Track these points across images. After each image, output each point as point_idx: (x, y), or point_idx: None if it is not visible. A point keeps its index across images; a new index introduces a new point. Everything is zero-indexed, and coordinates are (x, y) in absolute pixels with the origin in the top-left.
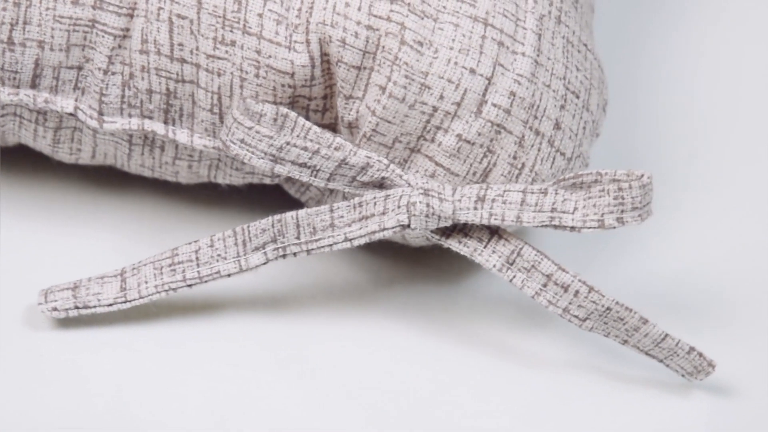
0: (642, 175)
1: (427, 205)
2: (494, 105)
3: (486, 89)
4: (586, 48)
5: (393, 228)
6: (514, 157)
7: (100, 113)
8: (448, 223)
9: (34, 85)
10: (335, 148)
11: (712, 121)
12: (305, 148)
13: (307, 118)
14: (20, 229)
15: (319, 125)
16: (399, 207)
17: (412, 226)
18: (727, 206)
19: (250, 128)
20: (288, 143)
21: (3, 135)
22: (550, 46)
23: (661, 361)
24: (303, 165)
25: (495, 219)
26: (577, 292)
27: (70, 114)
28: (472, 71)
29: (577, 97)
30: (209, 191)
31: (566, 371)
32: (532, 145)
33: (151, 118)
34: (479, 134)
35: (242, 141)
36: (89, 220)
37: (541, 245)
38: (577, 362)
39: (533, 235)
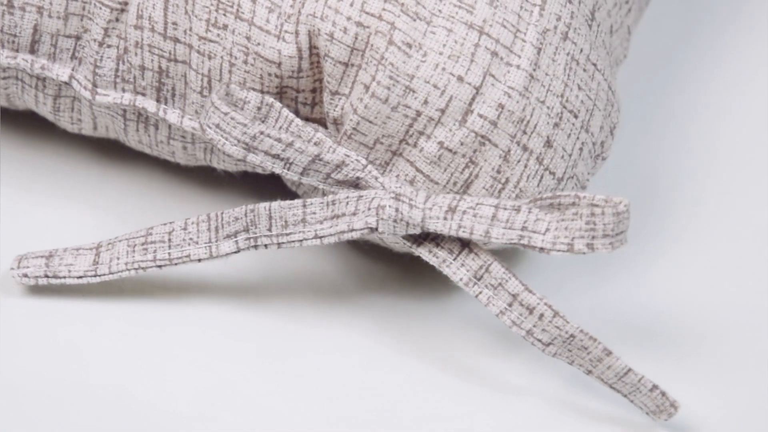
0: (619, 203)
1: (396, 210)
2: (480, 116)
3: (473, 99)
4: (595, 68)
5: (361, 230)
6: (498, 171)
7: (94, 85)
8: (417, 231)
9: (32, 51)
10: (315, 143)
11: (732, 156)
12: (279, 140)
13: (296, 110)
14: (20, 195)
15: (308, 119)
16: (369, 209)
17: (380, 230)
18: (734, 242)
19: (225, 113)
20: (262, 133)
21: (8, 98)
22: (551, 61)
23: (625, 396)
24: (276, 156)
25: (463, 231)
26: (541, 315)
27: (65, 83)
28: (460, 79)
29: (575, 116)
30: (218, 175)
31: (531, 400)
32: (519, 161)
33: (143, 94)
34: (462, 144)
35: (217, 126)
36: (93, 192)
37: (535, 263)
38: (544, 392)
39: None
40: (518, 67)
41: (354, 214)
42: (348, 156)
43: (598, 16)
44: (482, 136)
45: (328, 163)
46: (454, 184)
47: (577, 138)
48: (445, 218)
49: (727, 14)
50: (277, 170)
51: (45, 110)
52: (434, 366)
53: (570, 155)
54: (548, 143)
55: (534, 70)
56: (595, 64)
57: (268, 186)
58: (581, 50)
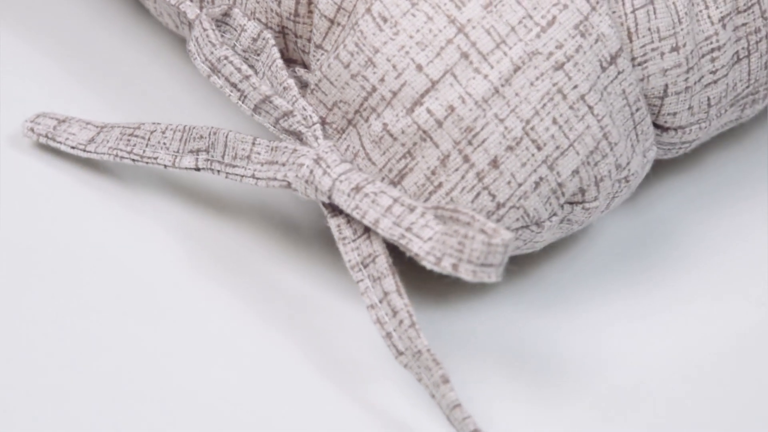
0: (496, 235)
1: (311, 171)
2: (428, 110)
3: (426, 91)
4: (590, 111)
5: (280, 181)
6: (433, 173)
7: None
8: (325, 199)
9: None
10: (284, 88)
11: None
12: (239, 70)
13: (299, 55)
14: (95, 65)
15: (307, 67)
16: (294, 164)
17: (293, 186)
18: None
19: (204, 30)
20: (226, 58)
21: None
22: (528, 84)
23: None
24: (234, 86)
25: (357, 213)
26: (401, 321)
27: None
28: (419, 68)
29: (538, 148)
30: None
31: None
32: (456, 170)
33: (192, 0)
34: (403, 132)
35: (196, 40)
36: (165, 81)
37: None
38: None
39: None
40: (486, 77)
41: (284, 164)
42: (305, 109)
43: (622, 63)
44: (424, 132)
45: (277, 108)
46: (390, 171)
47: (534, 171)
48: (349, 195)
49: None
50: (234, 100)
51: None
52: (317, 362)
53: (519, 184)
54: (494, 163)
55: (502, 85)
56: (590, 107)
57: None
58: (575, 86)
